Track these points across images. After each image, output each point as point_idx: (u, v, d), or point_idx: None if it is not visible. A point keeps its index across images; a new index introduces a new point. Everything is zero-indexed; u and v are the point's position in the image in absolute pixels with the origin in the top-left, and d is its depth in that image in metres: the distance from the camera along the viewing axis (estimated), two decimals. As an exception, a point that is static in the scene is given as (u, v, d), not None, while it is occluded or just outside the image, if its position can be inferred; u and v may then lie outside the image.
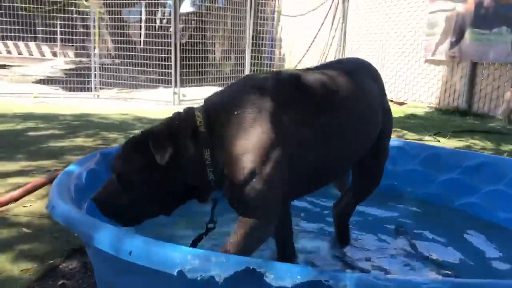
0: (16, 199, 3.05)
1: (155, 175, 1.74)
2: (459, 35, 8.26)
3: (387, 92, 2.41)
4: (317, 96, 1.90)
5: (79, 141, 4.94)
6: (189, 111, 1.86)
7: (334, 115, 1.92)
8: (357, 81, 2.08)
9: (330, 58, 11.38)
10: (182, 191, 1.81)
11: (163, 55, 9.94)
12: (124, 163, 1.80)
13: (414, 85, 9.27)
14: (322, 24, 11.58)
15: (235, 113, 1.75)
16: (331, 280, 1.14)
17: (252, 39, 11.21)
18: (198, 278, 1.24)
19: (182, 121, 1.81)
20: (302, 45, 12.29)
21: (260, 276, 1.19)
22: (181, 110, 1.90)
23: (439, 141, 5.44)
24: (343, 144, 1.97)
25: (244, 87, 1.88)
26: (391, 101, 9.24)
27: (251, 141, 1.70)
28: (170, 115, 1.91)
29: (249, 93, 1.81)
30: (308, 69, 2.11)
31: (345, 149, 2.02)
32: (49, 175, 3.50)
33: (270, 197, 1.73)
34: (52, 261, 2.27)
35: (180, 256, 1.29)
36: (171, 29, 9.68)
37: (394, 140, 3.34)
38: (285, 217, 2.19)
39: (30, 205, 2.99)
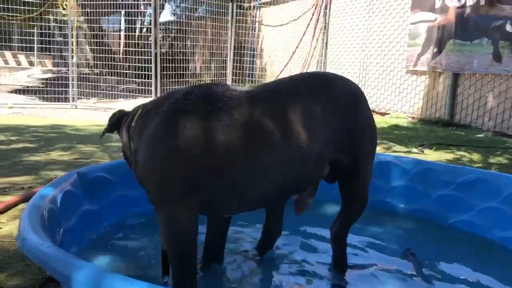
0: (-15, 221, 2.84)
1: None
2: (441, 46, 8.29)
3: (368, 102, 2.23)
4: (238, 118, 1.82)
5: (55, 155, 4.71)
6: (144, 104, 2.09)
7: (252, 138, 1.83)
8: (294, 103, 1.93)
9: (312, 68, 11.35)
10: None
11: (143, 65, 9.76)
12: None
13: (396, 95, 9.27)
14: (303, 35, 11.55)
15: (150, 113, 1.92)
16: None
17: (233, 49, 11.10)
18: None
19: (132, 113, 2.09)
20: (283, 56, 12.25)
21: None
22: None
23: (423, 152, 5.39)
24: (259, 167, 1.86)
25: (178, 93, 1.93)
26: (373, 111, 9.22)
27: (144, 140, 1.86)
28: None
29: (174, 100, 1.88)
30: (253, 87, 2.05)
31: (263, 174, 1.88)
32: (23, 194, 3.29)
33: (162, 191, 1.80)
34: (23, 293, 2.08)
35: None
36: (151, 39, 9.51)
37: (386, 155, 3.24)
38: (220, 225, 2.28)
39: (1, 228, 2.78)
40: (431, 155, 5.25)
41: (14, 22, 10.79)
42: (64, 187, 2.23)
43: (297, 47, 11.78)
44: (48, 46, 11.65)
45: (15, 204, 3.14)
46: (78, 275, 1.25)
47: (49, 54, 12.44)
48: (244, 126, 1.81)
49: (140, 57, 9.93)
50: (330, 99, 2.03)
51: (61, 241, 2.01)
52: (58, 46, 11.78)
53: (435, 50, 8.39)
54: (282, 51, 12.33)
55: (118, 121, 2.14)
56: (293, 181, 1.98)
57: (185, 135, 1.77)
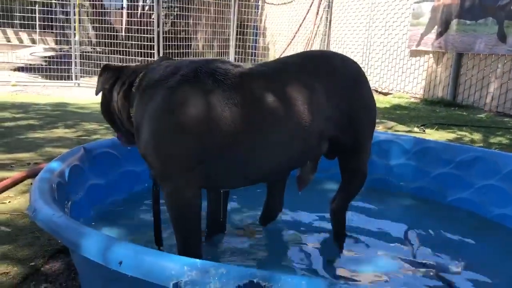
0: (-6, 196, 2.90)
1: (104, 103, 2.14)
2: (445, 26, 8.24)
3: (371, 82, 2.27)
4: (242, 95, 1.86)
5: (59, 132, 4.77)
6: (142, 68, 2.04)
7: (255, 115, 1.87)
8: (296, 82, 1.97)
9: (316, 47, 11.29)
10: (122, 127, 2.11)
11: (145, 43, 9.73)
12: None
13: (399, 75, 9.25)
14: (307, 13, 11.47)
15: (155, 87, 1.88)
16: (342, 294, 1.06)
17: (236, 27, 11.04)
18: (196, 292, 1.15)
19: (131, 74, 2.03)
20: (287, 34, 12.17)
21: (264, 290, 1.10)
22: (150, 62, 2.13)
23: (424, 131, 5.42)
24: (261, 144, 1.91)
25: (186, 68, 1.91)
26: (376, 91, 9.22)
27: (149, 113, 1.84)
28: None
29: (181, 75, 1.87)
30: (257, 65, 2.09)
31: (266, 150, 1.93)
32: (29, 169, 3.36)
33: (167, 165, 1.83)
34: (33, 263, 2.14)
35: (175, 267, 1.19)
36: (153, 16, 9.46)
37: (387, 133, 3.28)
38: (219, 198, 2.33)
39: (9, 202, 2.85)
40: (433, 135, 5.28)
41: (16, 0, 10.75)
42: (71, 161, 2.28)
43: (300, 25, 11.70)
44: (50, 23, 11.58)
45: (21, 180, 3.21)
46: (88, 242, 1.31)
47: (51, 32, 12.38)
48: (249, 103, 1.85)
49: (142, 35, 9.88)
50: (331, 77, 2.07)
51: (69, 213, 2.07)
52: (60, 24, 11.71)
53: (439, 30, 8.34)
54: (286, 29, 12.25)
55: (113, 82, 2.09)
56: (293, 157, 2.03)
57: (193, 111, 1.80)
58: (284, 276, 1.13)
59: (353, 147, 2.18)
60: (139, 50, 9.88)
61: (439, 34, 8.33)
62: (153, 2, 10.29)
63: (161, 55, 9.53)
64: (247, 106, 1.84)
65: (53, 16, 11.40)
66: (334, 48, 10.88)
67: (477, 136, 5.40)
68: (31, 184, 3.15)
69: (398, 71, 9.26)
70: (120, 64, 7.00)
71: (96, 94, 2.10)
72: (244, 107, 1.83)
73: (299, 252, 2.29)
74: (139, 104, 1.91)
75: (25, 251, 2.25)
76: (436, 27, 8.38)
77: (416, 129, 5.55)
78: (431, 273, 2.08)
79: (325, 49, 10.93)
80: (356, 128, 2.15)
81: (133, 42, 9.94)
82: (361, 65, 2.30)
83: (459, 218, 2.83)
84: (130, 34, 10.30)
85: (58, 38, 12.50)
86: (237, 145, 1.85)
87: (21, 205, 2.80)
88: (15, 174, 3.22)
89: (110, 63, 2.10)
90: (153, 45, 9.65)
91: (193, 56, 11.36)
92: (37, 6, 10.94)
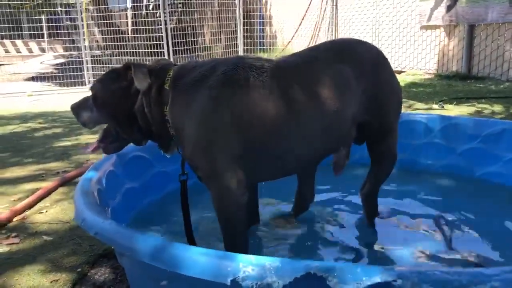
0: (30, 206, 2.98)
1: (122, 103, 2.00)
2: (454, -1, 8.13)
3: None
4: (281, 88, 1.90)
5: (84, 139, 4.84)
6: (166, 65, 2.04)
7: (295, 106, 1.91)
8: (326, 71, 2.01)
9: (323, 31, 11.22)
10: (146, 130, 2.04)
11: (153, 42, 9.76)
12: (101, 86, 2.06)
13: (411, 52, 9.16)
14: (312, -2, 11.39)
15: (197, 86, 1.88)
16: (399, 279, 1.09)
17: (242, 18, 11.01)
18: (254, 287, 1.18)
19: (159, 71, 1.99)
20: (293, 21, 12.10)
21: (321, 280, 1.13)
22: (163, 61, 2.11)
23: (443, 107, 5.38)
24: (302, 133, 1.95)
25: (224, 65, 1.92)
26: (389, 70, 9.11)
27: (195, 114, 1.84)
28: None
29: (222, 73, 1.88)
30: (285, 58, 2.12)
31: (305, 139, 1.97)
32: (60, 178, 3.43)
33: (216, 166, 1.84)
34: (80, 269, 2.21)
35: (231, 264, 1.23)
36: (158, 14, 9.47)
37: (411, 113, 3.27)
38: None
39: (46, 211, 2.92)
40: (452, 110, 5.25)
41: (23, 10, 10.84)
42: (106, 168, 2.33)
43: (306, 11, 11.62)
44: (57, 31, 11.67)
45: (54, 189, 3.28)
46: (142, 245, 1.35)
47: (59, 39, 12.46)
48: (288, 95, 1.90)
49: (150, 34, 9.92)
50: (357, 64, 2.10)
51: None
52: (67, 31, 11.80)
53: (448, 3, 8.22)
54: (292, 16, 12.18)
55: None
56: (330, 144, 2.09)
57: (239, 108, 1.83)
58: (339, 265, 1.16)
59: (382, 130, 2.21)
60: (148, 50, 9.92)
61: (450, 7, 8.22)
62: (157, 1, 10.32)
63: (170, 52, 9.57)
64: (287, 98, 1.89)
65: (59, 24, 11.50)
66: (342, 30, 10.80)
67: (497, 107, 5.35)
68: (64, 192, 3.24)
69: (410, 48, 9.16)
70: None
71: (145, 87, 1.94)
72: (284, 99, 1.88)
73: (334, 238, 2.32)
74: (178, 104, 1.90)
75: (70, 258, 2.32)
76: (445, 0, 8.26)
77: (435, 106, 5.51)
78: (466, 255, 2.09)
79: (332, 32, 10.86)
80: (384, 111, 2.19)
81: (141, 43, 9.99)
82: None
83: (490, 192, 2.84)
84: (137, 35, 10.34)
85: (66, 45, 12.59)
86: (279, 137, 1.90)
87: (58, 214, 2.87)
88: (47, 184, 3.30)
89: (132, 61, 2.07)
90: (161, 43, 9.68)
91: (202, 51, 11.37)
92: (43, 15, 11.03)
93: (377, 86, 2.14)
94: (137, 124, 2.03)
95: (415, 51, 9.09)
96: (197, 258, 1.27)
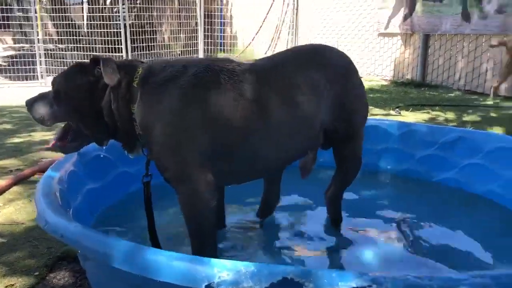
0: (-19, 206, 2.83)
1: (88, 98, 1.91)
2: (411, 7, 8.40)
3: None
4: (252, 92, 1.91)
5: (38, 135, 4.65)
6: (136, 63, 1.99)
7: (265, 110, 1.92)
8: (297, 75, 2.03)
9: (284, 34, 11.32)
10: (111, 128, 1.95)
11: (110, 38, 9.53)
12: (65, 81, 1.96)
13: (369, 58, 9.40)
14: (273, 0, 11.45)
15: (167, 86, 1.84)
16: (374, 284, 1.11)
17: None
18: (230, 292, 1.17)
19: (128, 68, 1.93)
20: (254, 23, 12.13)
21: (298, 285, 1.14)
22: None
23: (400, 113, 5.55)
24: (271, 137, 1.96)
25: (195, 67, 1.90)
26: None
27: (164, 114, 1.81)
28: None
29: (193, 75, 1.86)
30: (256, 61, 2.13)
31: (274, 143, 1.99)
32: (13, 177, 3.28)
33: (185, 167, 1.82)
34: (37, 273, 2.12)
35: (206, 269, 1.21)
36: (116, 10, 9.25)
37: (371, 119, 3.35)
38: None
39: (-1, 212, 2.79)
40: (408, 116, 5.42)
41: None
42: (68, 168, 2.25)
43: (267, 13, 11.68)
44: (7, 22, 11.15)
45: (7, 188, 3.14)
46: (114, 250, 1.31)
47: (9, 31, 11.92)
48: (256, 99, 1.90)
49: (107, 30, 9.67)
50: (326, 69, 2.14)
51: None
52: (18, 22, 11.31)
53: (405, 12, 8.49)
54: (253, 18, 12.21)
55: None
56: (299, 148, 2.12)
57: (209, 109, 1.82)
58: (315, 270, 1.17)
59: (348, 135, 2.25)
60: (105, 46, 9.68)
61: (406, 16, 8.49)
62: (115, -5, 10.06)
63: (129, 48, 9.37)
64: (256, 102, 1.89)
65: (10, 15, 10.99)
66: (302, 34, 10.94)
67: (450, 115, 5.57)
68: (19, 192, 3.10)
69: (368, 54, 9.40)
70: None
71: (114, 82, 1.87)
72: (253, 103, 1.88)
73: (298, 242, 2.34)
74: (147, 103, 1.86)
75: (27, 261, 2.22)
76: (402, 9, 8.53)
77: (392, 112, 5.67)
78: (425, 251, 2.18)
79: (293, 35, 10.97)
80: (352, 117, 2.23)
81: (98, 38, 9.73)
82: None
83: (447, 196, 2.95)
84: (93, 30, 10.06)
85: (17, 37, 12.06)
86: (248, 140, 1.90)
87: (11, 214, 2.74)
88: (0, 183, 3.15)
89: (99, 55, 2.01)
90: (119, 39, 9.46)
91: (161, 49, 11.19)
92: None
93: (346, 92, 2.18)
94: (102, 121, 1.94)
95: (373, 57, 9.34)
96: (171, 263, 1.25)
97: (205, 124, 1.82)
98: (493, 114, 5.62)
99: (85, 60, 2.06)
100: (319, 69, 2.10)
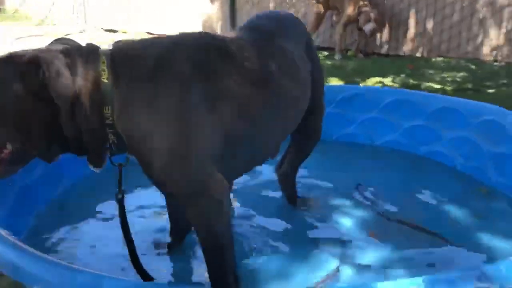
0: None
1: (37, 111, 1.39)
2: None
3: None
4: (247, 68, 1.67)
5: None
6: (92, 49, 1.48)
7: (264, 87, 1.71)
8: (283, 47, 1.88)
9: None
10: (72, 141, 1.46)
11: None
12: None
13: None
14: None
15: (158, 77, 1.46)
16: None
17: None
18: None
19: (84, 56, 1.44)
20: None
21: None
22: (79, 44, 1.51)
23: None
24: (277, 121, 1.80)
25: (185, 48, 1.57)
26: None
27: (167, 115, 1.45)
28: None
29: (188, 59, 1.53)
30: (236, 35, 1.86)
31: (275, 124, 1.82)
32: None
33: (202, 176, 1.50)
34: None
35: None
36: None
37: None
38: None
39: None
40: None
41: None
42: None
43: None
44: None
45: None
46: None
47: None
48: (266, 79, 1.72)
49: None
50: (302, 40, 2.07)
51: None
52: None
53: None
54: None
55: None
56: (293, 128, 2.03)
57: (216, 99, 1.53)
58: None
59: (316, 106, 2.17)
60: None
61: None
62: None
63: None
64: (261, 82, 1.68)
65: None
66: None
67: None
68: None
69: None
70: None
71: (68, 98, 1.38)
72: (257, 83, 1.67)
73: (263, 224, 2.24)
74: (135, 103, 1.45)
75: None
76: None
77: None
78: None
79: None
80: (318, 87, 2.15)
81: None
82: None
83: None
84: None
85: None
86: (257, 126, 1.68)
87: None
88: None
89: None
90: None
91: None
92: None
93: (314, 63, 2.11)
94: (57, 135, 1.44)
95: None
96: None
97: (216, 120, 1.51)
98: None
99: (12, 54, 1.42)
100: (300, 40, 2.03)
